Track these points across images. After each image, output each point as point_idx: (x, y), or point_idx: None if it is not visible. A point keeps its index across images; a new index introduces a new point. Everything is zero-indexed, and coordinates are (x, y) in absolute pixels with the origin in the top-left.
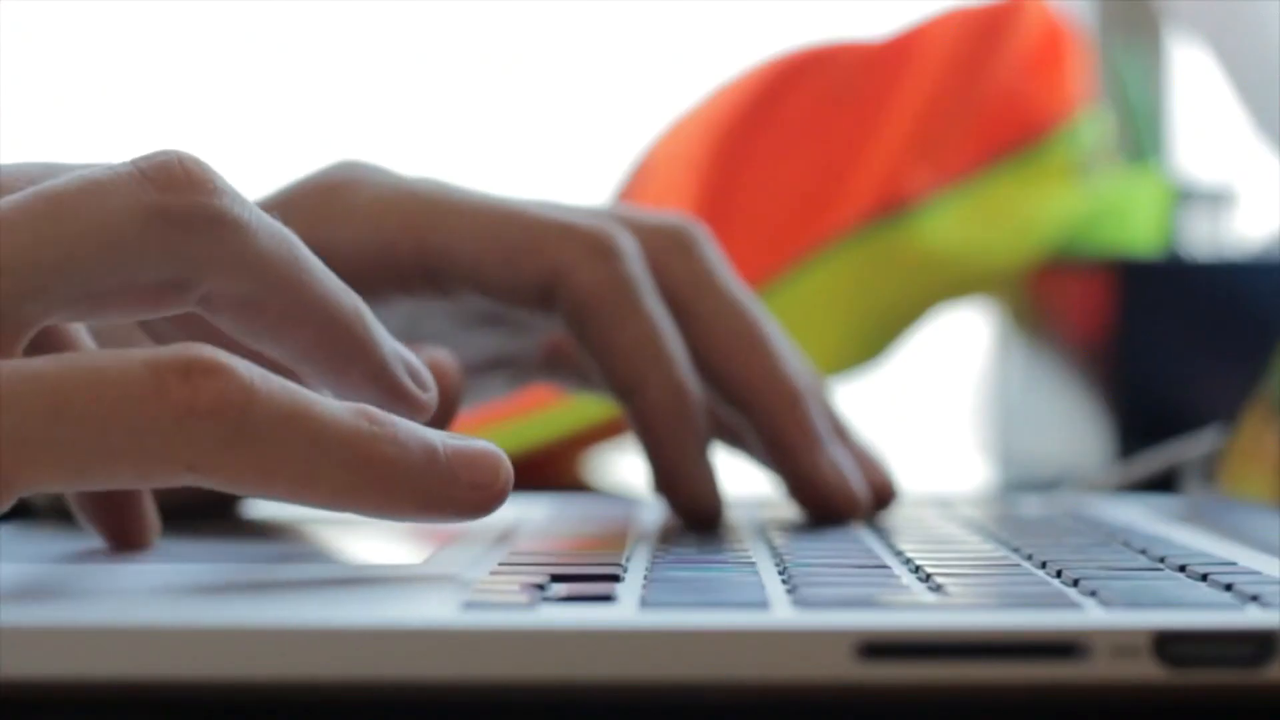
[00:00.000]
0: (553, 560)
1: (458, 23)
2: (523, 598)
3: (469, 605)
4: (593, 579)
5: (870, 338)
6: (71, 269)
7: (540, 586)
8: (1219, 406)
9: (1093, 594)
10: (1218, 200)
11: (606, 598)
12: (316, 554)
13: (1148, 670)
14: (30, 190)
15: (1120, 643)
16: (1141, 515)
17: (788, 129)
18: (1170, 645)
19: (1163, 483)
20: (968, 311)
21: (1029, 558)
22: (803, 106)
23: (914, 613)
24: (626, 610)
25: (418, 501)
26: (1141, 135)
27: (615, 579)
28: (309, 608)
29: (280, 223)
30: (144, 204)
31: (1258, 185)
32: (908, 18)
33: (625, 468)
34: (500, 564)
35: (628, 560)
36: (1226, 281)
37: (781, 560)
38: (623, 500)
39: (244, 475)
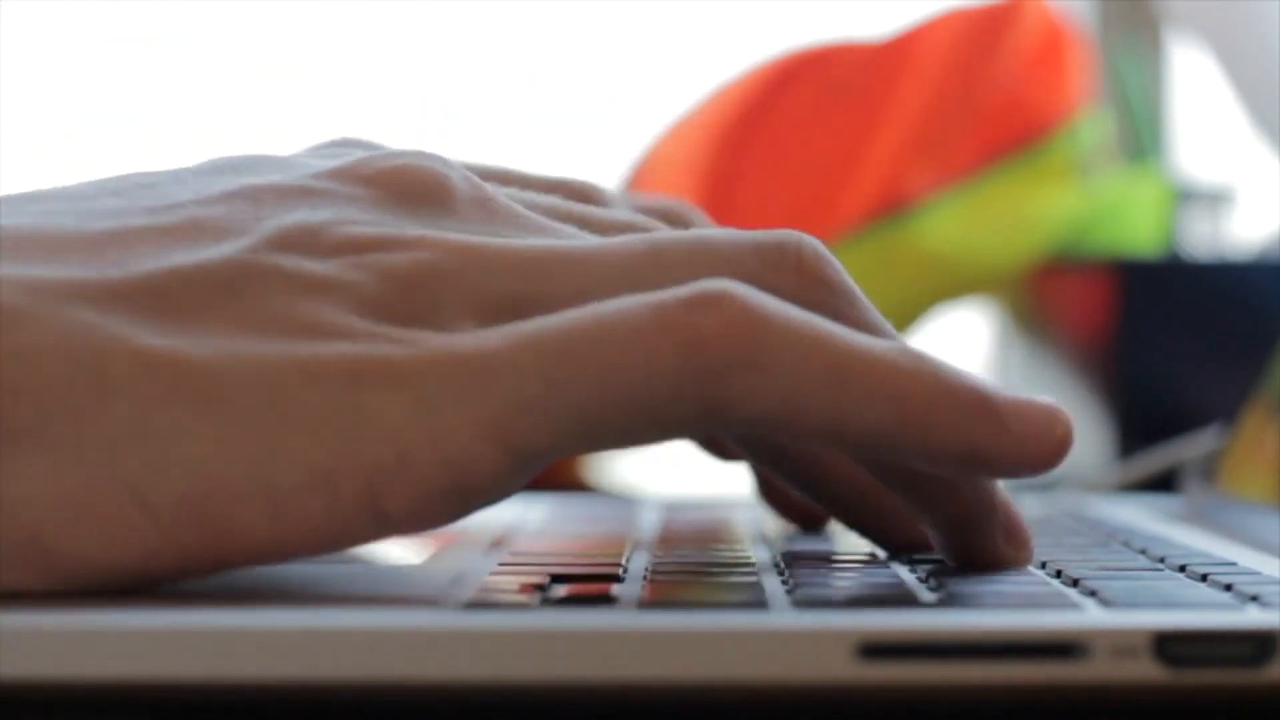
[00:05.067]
0: (553, 560)
1: (459, 22)
2: (523, 598)
3: (469, 605)
4: (593, 579)
5: None
6: (595, 422)
7: (540, 587)
8: (1219, 406)
9: (1093, 594)
10: (1218, 200)
11: (606, 598)
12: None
13: (1148, 670)
14: (583, 312)
15: (1120, 643)
16: (1141, 515)
17: (788, 129)
18: (1170, 645)
19: (1163, 483)
20: (968, 311)
21: None
22: (803, 107)
23: (914, 613)
24: (626, 610)
25: (962, 445)
26: (1141, 135)
27: (615, 579)
28: (309, 608)
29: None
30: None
31: (1258, 185)
32: (908, 18)
33: (625, 468)
34: (500, 564)
35: (627, 560)
36: (1226, 281)
37: (781, 560)
38: (623, 500)
39: (763, 409)
